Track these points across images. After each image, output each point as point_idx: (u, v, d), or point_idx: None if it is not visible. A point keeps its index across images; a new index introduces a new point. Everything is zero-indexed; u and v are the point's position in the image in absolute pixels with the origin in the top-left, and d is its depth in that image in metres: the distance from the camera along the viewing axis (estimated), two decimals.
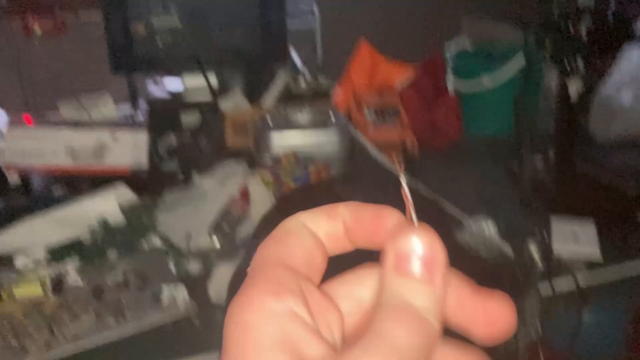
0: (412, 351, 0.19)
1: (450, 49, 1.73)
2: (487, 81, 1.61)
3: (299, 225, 0.24)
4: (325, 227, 0.24)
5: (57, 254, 1.06)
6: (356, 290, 0.24)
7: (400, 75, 1.64)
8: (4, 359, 0.80)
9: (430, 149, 1.48)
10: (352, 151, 1.41)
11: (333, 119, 1.40)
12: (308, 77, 1.63)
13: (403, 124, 1.47)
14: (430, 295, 0.20)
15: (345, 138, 1.36)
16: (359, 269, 0.24)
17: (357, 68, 1.64)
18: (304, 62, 2.03)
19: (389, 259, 0.21)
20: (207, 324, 0.91)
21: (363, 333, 0.21)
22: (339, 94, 1.62)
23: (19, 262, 1.02)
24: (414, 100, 1.53)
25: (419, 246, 0.20)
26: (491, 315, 0.22)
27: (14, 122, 1.30)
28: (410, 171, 1.35)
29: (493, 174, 1.40)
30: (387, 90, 1.55)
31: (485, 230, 1.07)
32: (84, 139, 1.30)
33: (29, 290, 0.92)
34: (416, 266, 0.20)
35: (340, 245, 0.24)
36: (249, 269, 0.22)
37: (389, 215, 0.23)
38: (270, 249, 0.23)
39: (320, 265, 0.24)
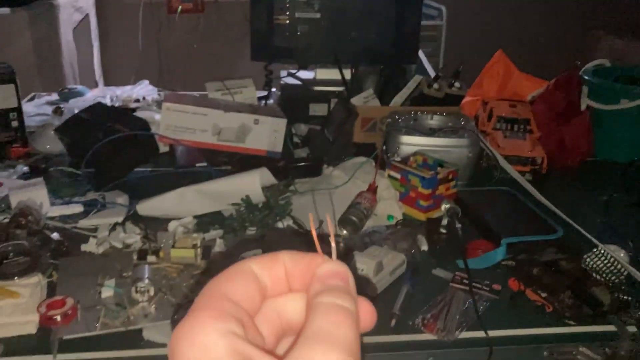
0: (346, 336, 0.25)
1: (588, 67, 1.70)
2: (625, 102, 1.57)
3: (246, 269, 0.29)
4: (269, 271, 0.29)
5: (204, 224, 1.16)
6: (282, 310, 0.30)
7: (532, 89, 1.63)
8: (163, 312, 0.91)
9: (558, 166, 1.46)
10: (480, 159, 1.43)
11: (463, 125, 1.42)
12: (441, 81, 1.65)
13: (534, 138, 1.47)
14: (349, 296, 0.27)
15: (475, 145, 1.38)
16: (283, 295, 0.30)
17: (490, 76, 1.64)
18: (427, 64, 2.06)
19: (318, 278, 0.28)
20: None
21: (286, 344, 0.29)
22: (468, 100, 1.63)
23: (172, 226, 1.13)
24: (545, 115, 1.52)
25: (338, 269, 0.28)
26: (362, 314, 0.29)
27: (169, 98, 1.42)
28: (538, 187, 1.35)
29: (622, 199, 1.37)
30: (519, 103, 1.54)
31: (613, 255, 1.06)
32: (230, 120, 1.41)
33: (182, 253, 1.02)
34: (337, 280, 0.28)
35: (280, 286, 0.30)
36: (197, 298, 0.27)
37: (321, 260, 0.29)
38: (217, 285, 0.28)
39: (257, 303, 0.29)
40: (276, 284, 0.29)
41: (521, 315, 0.95)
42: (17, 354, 0.83)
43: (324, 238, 0.31)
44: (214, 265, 1.04)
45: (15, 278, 0.94)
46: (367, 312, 0.29)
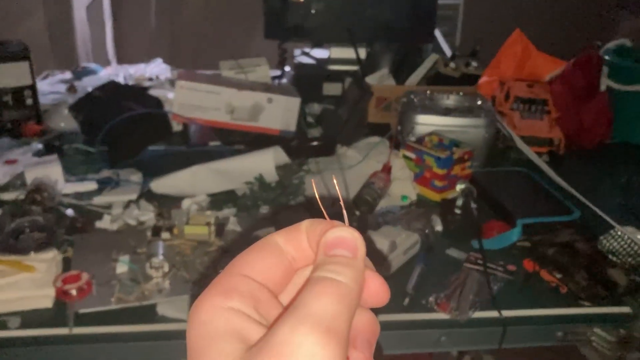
0: (325, 309, 0.23)
1: (608, 46, 1.66)
2: None
3: (270, 243, 0.28)
4: (293, 242, 0.28)
5: (217, 202, 1.16)
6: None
7: (551, 69, 1.60)
8: (176, 288, 0.91)
9: (575, 147, 1.44)
10: (496, 139, 1.41)
11: (480, 105, 1.40)
12: (458, 60, 1.63)
13: (551, 119, 1.44)
14: (348, 269, 0.25)
15: (491, 125, 1.36)
16: None
17: (507, 56, 1.61)
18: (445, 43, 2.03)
19: (323, 246, 0.27)
20: None
21: None
22: (485, 80, 1.61)
23: (186, 204, 1.13)
24: (563, 96, 1.50)
25: (345, 235, 0.27)
26: (375, 289, 0.28)
27: (182, 77, 1.41)
28: (555, 168, 1.33)
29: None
30: (536, 83, 1.52)
31: (630, 237, 1.05)
32: (243, 99, 1.40)
33: (196, 230, 1.02)
34: (342, 250, 0.26)
35: (306, 256, 0.29)
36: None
37: (331, 229, 0.28)
38: (236, 262, 0.28)
39: (281, 277, 0.28)
40: (302, 254, 0.29)
41: (535, 296, 0.94)
42: (34, 327, 0.84)
43: (333, 205, 0.30)
44: (234, 245, 1.04)
45: (32, 253, 0.95)
46: (379, 288, 0.28)
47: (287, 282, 0.29)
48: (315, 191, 0.31)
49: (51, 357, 0.84)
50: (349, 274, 0.25)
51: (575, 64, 1.55)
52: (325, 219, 0.29)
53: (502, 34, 1.68)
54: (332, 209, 0.30)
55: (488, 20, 2.49)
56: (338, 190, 0.30)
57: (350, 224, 0.28)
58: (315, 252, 0.28)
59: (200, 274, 0.94)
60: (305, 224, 0.29)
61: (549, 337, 0.90)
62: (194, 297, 0.89)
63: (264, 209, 1.16)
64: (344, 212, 0.28)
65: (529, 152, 1.37)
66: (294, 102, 1.43)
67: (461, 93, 1.45)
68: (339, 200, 0.29)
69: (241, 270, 0.27)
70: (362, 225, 1.11)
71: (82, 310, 0.86)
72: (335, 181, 0.31)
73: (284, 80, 1.77)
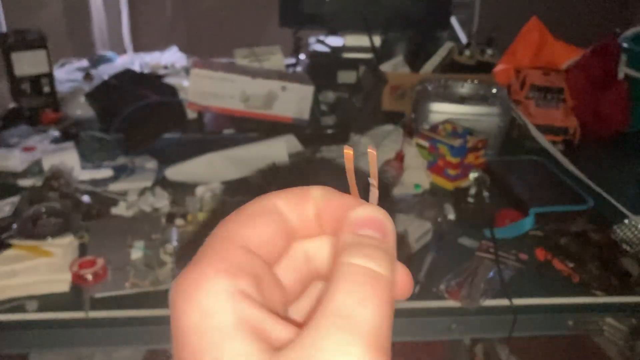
0: (374, 321, 0.20)
1: (627, 34, 1.64)
2: None
3: (269, 207, 0.24)
4: (297, 209, 0.24)
5: (230, 189, 1.17)
6: (312, 256, 0.25)
7: (567, 57, 1.59)
8: None
9: (592, 136, 1.43)
10: (511, 128, 1.40)
11: (495, 93, 1.39)
12: (473, 47, 1.62)
13: (567, 107, 1.43)
14: (384, 255, 0.22)
15: (506, 114, 1.35)
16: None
17: (523, 44, 1.60)
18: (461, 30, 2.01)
19: (350, 224, 0.23)
20: None
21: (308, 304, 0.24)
22: (500, 68, 1.59)
23: (199, 191, 1.14)
24: (580, 84, 1.48)
25: (376, 215, 0.23)
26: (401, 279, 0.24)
27: (197, 64, 1.42)
28: (569, 157, 1.32)
29: None
30: (553, 71, 1.50)
31: None
32: (257, 87, 1.41)
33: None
34: (372, 230, 0.23)
35: (309, 228, 0.25)
36: (205, 241, 0.23)
37: (357, 203, 0.24)
38: (234, 227, 0.23)
39: (281, 249, 0.24)
40: (305, 224, 0.25)
41: (547, 285, 0.94)
42: (51, 310, 0.86)
43: (361, 176, 0.25)
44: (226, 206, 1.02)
45: (49, 238, 0.97)
46: (405, 278, 0.24)
47: (284, 254, 0.25)
48: (348, 161, 0.24)
49: (68, 340, 0.86)
50: (386, 262, 0.22)
51: (592, 51, 1.53)
52: (350, 193, 0.24)
53: (519, 22, 1.67)
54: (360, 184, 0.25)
55: (505, 7, 2.46)
56: (373, 165, 0.24)
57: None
58: (329, 226, 0.24)
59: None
60: (317, 192, 0.25)
61: (560, 326, 0.90)
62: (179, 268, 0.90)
63: None
64: (376, 190, 0.24)
65: (544, 140, 1.36)
66: (308, 90, 1.43)
67: (476, 81, 1.44)
68: (371, 177, 0.24)
69: (241, 240, 0.22)
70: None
71: (98, 295, 0.88)
72: (372, 152, 0.24)
73: (299, 69, 1.77)
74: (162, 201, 1.12)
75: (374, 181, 0.24)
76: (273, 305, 0.23)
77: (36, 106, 1.50)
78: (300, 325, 0.21)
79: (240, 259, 0.22)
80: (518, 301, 0.89)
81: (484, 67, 1.61)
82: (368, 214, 0.23)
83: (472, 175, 1.18)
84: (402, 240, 0.96)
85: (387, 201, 1.15)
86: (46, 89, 1.51)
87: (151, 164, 1.26)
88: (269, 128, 1.41)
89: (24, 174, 1.21)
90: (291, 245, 0.25)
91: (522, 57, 1.60)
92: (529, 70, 1.49)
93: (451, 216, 1.13)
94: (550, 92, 1.45)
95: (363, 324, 0.19)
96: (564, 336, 0.93)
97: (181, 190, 1.16)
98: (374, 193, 0.24)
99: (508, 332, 0.88)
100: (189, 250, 0.97)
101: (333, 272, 0.21)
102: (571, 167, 1.28)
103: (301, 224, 0.25)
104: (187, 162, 1.21)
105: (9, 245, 0.95)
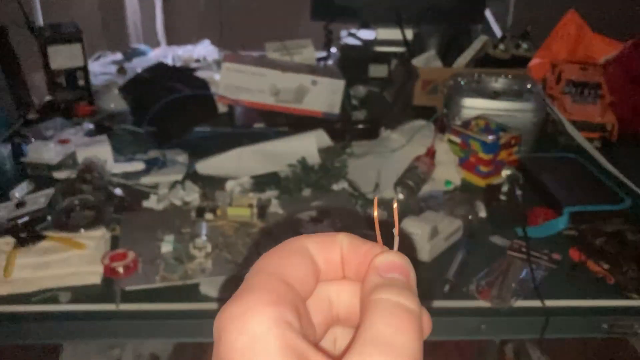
0: (410, 346, 0.22)
1: None
2: None
3: (302, 248, 0.26)
4: (325, 252, 0.26)
5: (260, 184, 1.17)
6: (335, 299, 0.27)
7: (606, 51, 1.54)
8: (219, 268, 0.93)
9: (630, 133, 1.39)
10: (546, 124, 1.37)
11: (529, 88, 1.36)
12: (508, 41, 1.58)
13: (604, 103, 1.39)
14: (411, 294, 0.24)
15: (541, 109, 1.32)
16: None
17: (560, 37, 1.56)
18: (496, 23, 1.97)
19: (376, 269, 0.25)
20: None
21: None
22: (536, 62, 1.56)
23: (229, 185, 1.15)
24: (619, 79, 1.44)
25: (399, 261, 0.25)
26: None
27: (229, 58, 1.43)
28: (606, 154, 1.29)
29: None
30: (590, 66, 1.46)
31: None
32: (288, 81, 1.40)
33: (239, 212, 1.04)
34: (397, 274, 0.25)
35: (334, 271, 0.27)
36: (247, 274, 0.24)
37: (380, 250, 0.26)
38: (273, 262, 0.25)
39: (311, 287, 0.26)
40: (330, 267, 0.27)
41: (581, 287, 0.92)
42: (84, 302, 0.88)
43: (387, 227, 0.28)
44: (275, 227, 1.04)
45: (82, 230, 0.99)
46: (425, 320, 0.26)
47: (312, 293, 0.26)
48: (375, 213, 0.28)
49: (99, 331, 0.88)
50: (414, 299, 0.24)
51: (633, 45, 1.48)
52: (372, 238, 0.27)
53: (555, 14, 1.62)
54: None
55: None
56: (396, 216, 0.27)
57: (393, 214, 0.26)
58: (352, 271, 0.27)
59: (242, 255, 0.96)
60: (344, 239, 0.27)
61: (595, 329, 0.88)
62: (235, 278, 0.91)
63: (306, 192, 1.16)
64: (397, 239, 0.27)
65: (580, 137, 1.33)
66: (339, 85, 1.43)
67: (510, 76, 1.41)
68: (394, 227, 0.27)
69: (282, 275, 0.24)
70: (405, 209, 1.11)
71: (129, 288, 0.89)
72: (395, 206, 0.28)
73: (330, 62, 1.76)
74: (192, 195, 1.12)
75: (396, 231, 0.27)
76: (309, 339, 0.24)
77: (71, 99, 1.52)
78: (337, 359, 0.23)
79: (282, 290, 0.24)
80: (550, 302, 0.87)
81: (519, 62, 1.57)
82: (393, 259, 0.26)
83: (505, 172, 1.16)
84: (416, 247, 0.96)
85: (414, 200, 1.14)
86: (81, 82, 1.54)
87: (182, 158, 1.27)
88: (299, 122, 1.40)
89: (59, 166, 1.24)
90: (316, 287, 0.27)
91: (558, 51, 1.57)
92: (565, 65, 1.46)
93: (482, 214, 1.11)
94: (587, 88, 1.41)
95: (403, 350, 0.21)
96: (599, 338, 0.90)
97: (211, 184, 1.16)
98: (397, 241, 0.27)
99: (539, 334, 0.86)
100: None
101: (366, 308, 0.23)
102: (608, 165, 1.24)
103: (326, 266, 0.26)
104: (217, 156, 1.22)
105: (43, 237, 0.97)
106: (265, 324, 0.22)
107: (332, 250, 0.27)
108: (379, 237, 0.27)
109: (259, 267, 0.25)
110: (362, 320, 0.23)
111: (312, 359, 0.22)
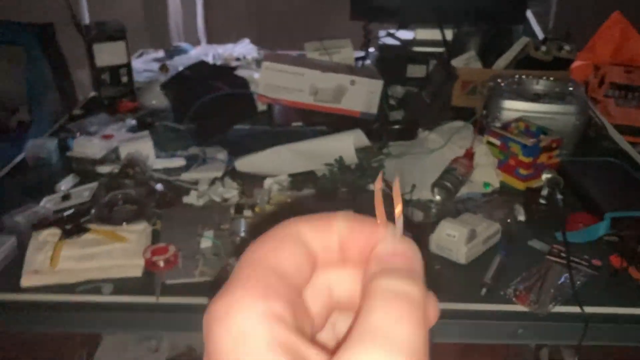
0: (410, 337, 0.20)
1: None
2: None
3: (295, 233, 0.24)
4: (321, 237, 0.24)
5: (298, 182, 1.18)
6: (334, 286, 0.25)
7: None
8: None
9: None
10: (588, 128, 1.35)
11: (571, 90, 1.34)
12: (550, 43, 1.56)
13: None
14: (413, 280, 0.22)
15: (583, 112, 1.30)
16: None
17: (604, 39, 1.53)
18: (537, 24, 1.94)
19: (376, 257, 0.23)
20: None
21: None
22: (578, 65, 1.53)
23: (267, 183, 1.16)
24: None
25: (401, 248, 0.23)
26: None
27: (268, 58, 1.44)
28: None
29: None
30: (635, 69, 1.43)
31: None
32: (327, 81, 1.41)
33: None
34: (399, 261, 0.23)
35: (331, 256, 0.24)
36: (236, 267, 0.22)
37: (383, 233, 0.24)
38: (263, 253, 0.23)
39: (307, 276, 0.24)
40: (327, 253, 0.24)
41: (621, 294, 0.90)
42: (125, 294, 0.90)
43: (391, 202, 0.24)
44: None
45: (124, 224, 1.01)
46: (432, 306, 0.24)
47: (308, 282, 0.24)
48: (377, 188, 0.25)
49: (138, 322, 0.90)
50: (416, 285, 0.22)
51: None
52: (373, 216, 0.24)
53: (599, 16, 1.59)
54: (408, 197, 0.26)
55: (584, 0, 2.36)
56: (397, 193, 0.25)
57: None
58: (352, 256, 0.25)
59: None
60: (341, 221, 0.24)
61: (635, 338, 0.87)
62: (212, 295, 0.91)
63: (343, 191, 1.17)
64: (401, 218, 0.24)
65: (623, 141, 1.30)
66: (377, 85, 1.43)
67: (552, 78, 1.39)
68: (396, 204, 0.24)
69: (273, 265, 0.22)
70: (442, 211, 1.10)
71: (169, 281, 0.91)
72: (397, 182, 0.25)
73: (368, 62, 1.76)
74: (231, 192, 1.14)
75: (397, 211, 0.24)
76: (304, 332, 0.22)
77: (114, 95, 1.56)
78: (332, 353, 0.21)
79: (273, 282, 0.22)
80: (590, 309, 0.86)
81: (561, 64, 1.55)
82: (393, 248, 0.23)
83: (545, 175, 1.14)
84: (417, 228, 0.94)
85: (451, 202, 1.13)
86: (124, 79, 1.57)
87: (221, 155, 1.29)
88: (337, 122, 1.41)
89: (102, 161, 1.27)
90: (314, 274, 0.25)
91: (602, 53, 1.54)
92: (608, 67, 1.43)
93: (521, 217, 1.10)
94: (632, 91, 1.38)
95: (401, 342, 0.20)
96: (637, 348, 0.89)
97: (250, 182, 1.18)
98: (399, 223, 0.24)
99: (578, 341, 0.85)
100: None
101: (365, 296, 0.22)
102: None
103: (324, 252, 0.24)
104: (256, 154, 1.23)
105: (87, 229, 1.00)
106: (253, 319, 0.20)
107: (328, 233, 0.24)
108: (381, 214, 0.24)
109: (247, 257, 0.23)
110: (360, 308, 0.21)
111: (304, 354, 0.20)
